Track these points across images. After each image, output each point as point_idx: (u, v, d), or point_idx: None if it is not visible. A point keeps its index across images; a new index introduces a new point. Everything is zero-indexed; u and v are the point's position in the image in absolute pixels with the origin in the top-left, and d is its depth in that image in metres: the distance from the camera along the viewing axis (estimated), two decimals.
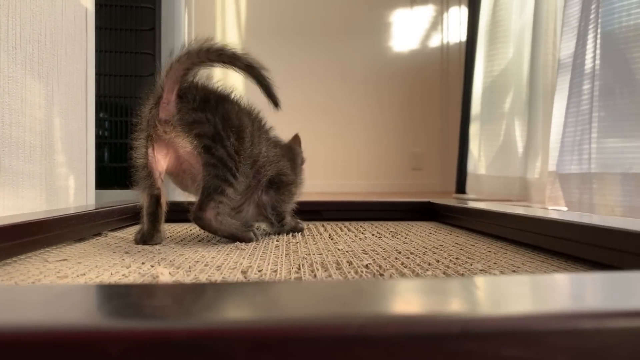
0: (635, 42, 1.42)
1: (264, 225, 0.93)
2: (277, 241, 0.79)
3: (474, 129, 2.63)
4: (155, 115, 0.74)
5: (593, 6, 1.55)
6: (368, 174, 3.69)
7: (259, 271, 0.54)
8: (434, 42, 3.71)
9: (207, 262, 0.59)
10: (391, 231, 0.92)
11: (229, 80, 0.86)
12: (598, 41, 1.54)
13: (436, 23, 3.72)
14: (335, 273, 0.53)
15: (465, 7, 3.64)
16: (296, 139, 0.94)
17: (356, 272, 0.53)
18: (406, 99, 3.70)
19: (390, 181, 3.67)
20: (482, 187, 2.50)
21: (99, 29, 1.16)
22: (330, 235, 0.86)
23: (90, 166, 1.00)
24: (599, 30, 1.54)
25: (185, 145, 0.74)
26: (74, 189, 0.95)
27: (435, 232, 0.91)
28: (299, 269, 0.56)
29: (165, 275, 0.51)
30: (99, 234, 0.85)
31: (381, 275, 0.52)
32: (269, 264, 0.59)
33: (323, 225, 1.01)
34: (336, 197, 2.35)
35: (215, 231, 0.76)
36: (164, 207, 0.78)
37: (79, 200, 0.96)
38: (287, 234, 0.88)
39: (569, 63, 1.69)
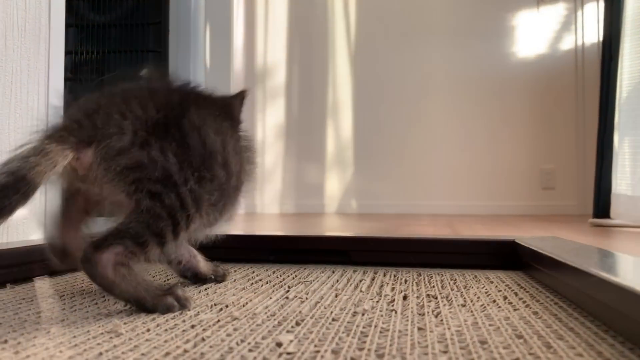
0: None
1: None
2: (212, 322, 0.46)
3: (617, 141, 2.06)
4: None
5: None
6: (491, 195, 3.18)
7: None
8: (566, 44, 3.12)
9: None
10: (429, 294, 0.55)
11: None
12: None
13: (568, 23, 3.13)
14: None
15: (604, 1, 3.01)
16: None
17: None
18: (534, 109, 3.15)
19: (516, 202, 3.13)
20: (632, 210, 1.91)
21: (103, 26, 0.94)
22: (322, 296, 0.52)
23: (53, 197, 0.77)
24: None
25: (116, 194, 0.48)
26: (23, 225, 0.71)
27: (504, 298, 0.52)
28: None
29: None
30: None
31: None
32: None
33: (329, 275, 0.66)
34: (426, 233, 1.96)
35: (110, 288, 0.46)
36: None
37: (32, 234, 0.73)
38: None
39: None
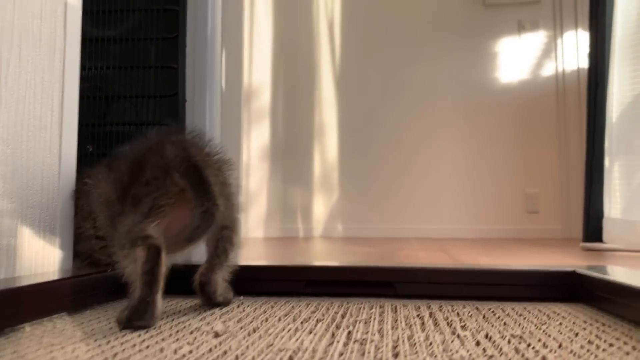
0: None
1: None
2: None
3: (608, 165, 2.07)
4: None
5: None
6: (477, 218, 3.18)
7: None
8: (547, 70, 3.18)
9: None
10: (513, 334, 0.49)
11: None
12: None
13: (548, 50, 3.20)
14: None
15: (584, 30, 3.08)
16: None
17: None
18: (517, 133, 3.19)
19: (502, 226, 3.13)
20: (628, 235, 1.91)
21: (104, 40, 0.87)
22: (396, 339, 0.46)
23: (65, 218, 0.69)
24: None
25: None
26: (30, 250, 0.63)
27: (596, 336, 0.47)
28: None
29: None
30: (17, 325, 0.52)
31: None
32: None
33: (381, 311, 0.60)
34: (423, 258, 1.91)
35: None
36: (164, 268, 0.53)
37: (40, 266, 0.64)
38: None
39: None
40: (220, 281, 0.63)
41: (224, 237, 0.62)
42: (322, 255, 1.76)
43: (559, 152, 3.07)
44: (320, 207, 3.26)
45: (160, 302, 0.53)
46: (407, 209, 3.19)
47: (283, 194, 3.28)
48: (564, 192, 3.03)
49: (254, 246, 2.33)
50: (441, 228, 3.12)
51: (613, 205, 2.02)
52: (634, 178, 1.97)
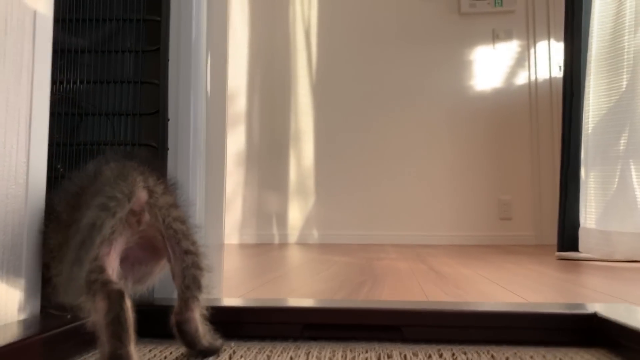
0: None
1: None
2: None
3: (584, 175, 2.07)
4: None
5: None
6: (450, 225, 3.16)
7: None
8: (521, 79, 3.19)
9: None
10: None
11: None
12: None
13: (522, 59, 3.21)
14: None
15: (556, 40, 3.11)
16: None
17: None
18: (491, 141, 3.19)
19: (476, 233, 3.12)
20: (603, 245, 1.92)
21: (75, 52, 0.79)
22: None
23: (31, 257, 0.61)
24: None
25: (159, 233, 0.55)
26: None
27: None
28: None
29: None
30: None
31: None
32: None
33: (387, 356, 0.55)
34: (403, 269, 1.87)
35: None
36: (132, 312, 0.46)
37: (3, 314, 0.56)
38: None
39: None
40: (200, 319, 0.56)
41: (189, 263, 0.55)
42: (299, 266, 1.70)
43: (531, 160, 3.09)
44: (296, 214, 3.20)
45: (136, 355, 0.45)
46: (383, 216, 3.15)
47: (258, 200, 3.21)
48: (536, 199, 3.05)
49: (229, 254, 2.24)
50: (416, 235, 3.10)
51: (588, 216, 2.02)
52: (608, 189, 1.97)
